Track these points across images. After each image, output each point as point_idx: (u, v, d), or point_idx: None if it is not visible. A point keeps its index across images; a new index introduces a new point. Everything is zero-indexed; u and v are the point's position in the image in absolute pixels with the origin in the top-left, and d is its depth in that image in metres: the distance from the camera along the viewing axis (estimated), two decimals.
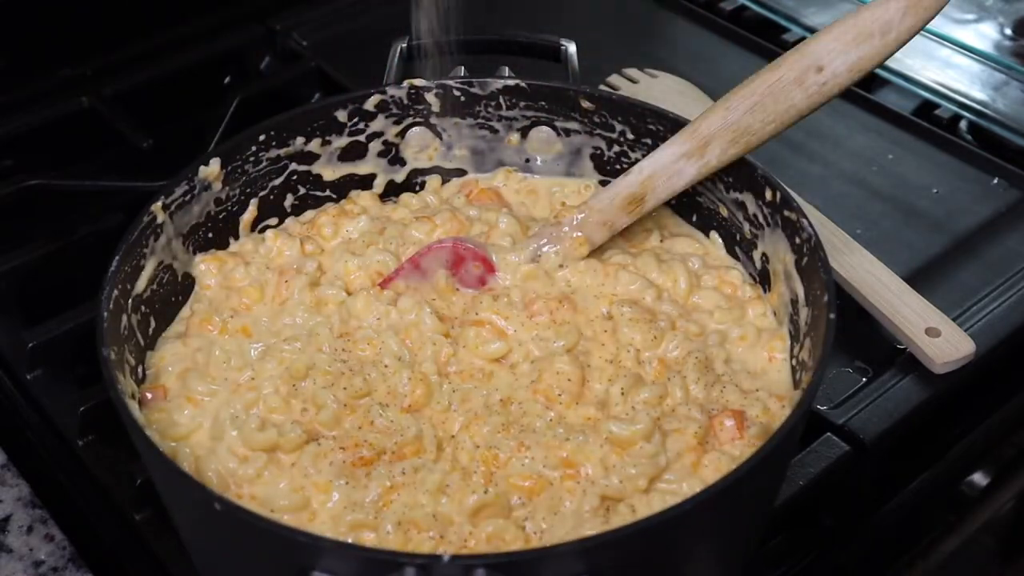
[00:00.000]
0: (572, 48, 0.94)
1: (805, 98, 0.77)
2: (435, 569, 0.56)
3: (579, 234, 0.84)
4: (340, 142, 0.90)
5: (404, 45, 0.93)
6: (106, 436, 0.85)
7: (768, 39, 1.26)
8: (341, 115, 0.89)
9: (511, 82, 0.89)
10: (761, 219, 0.81)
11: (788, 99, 0.77)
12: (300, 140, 0.88)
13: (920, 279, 0.95)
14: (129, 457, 0.82)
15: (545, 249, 0.84)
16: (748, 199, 0.82)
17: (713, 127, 0.80)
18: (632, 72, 1.15)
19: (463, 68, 0.93)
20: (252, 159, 0.86)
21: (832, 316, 0.69)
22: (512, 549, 0.66)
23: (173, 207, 0.81)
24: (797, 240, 0.76)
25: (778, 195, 0.79)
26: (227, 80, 1.24)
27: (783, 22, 1.30)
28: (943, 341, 0.88)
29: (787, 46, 1.26)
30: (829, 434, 0.84)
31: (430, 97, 0.90)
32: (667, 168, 0.82)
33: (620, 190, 0.83)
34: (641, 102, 0.88)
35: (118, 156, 1.10)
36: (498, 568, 0.57)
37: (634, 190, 0.83)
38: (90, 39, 1.19)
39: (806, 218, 0.76)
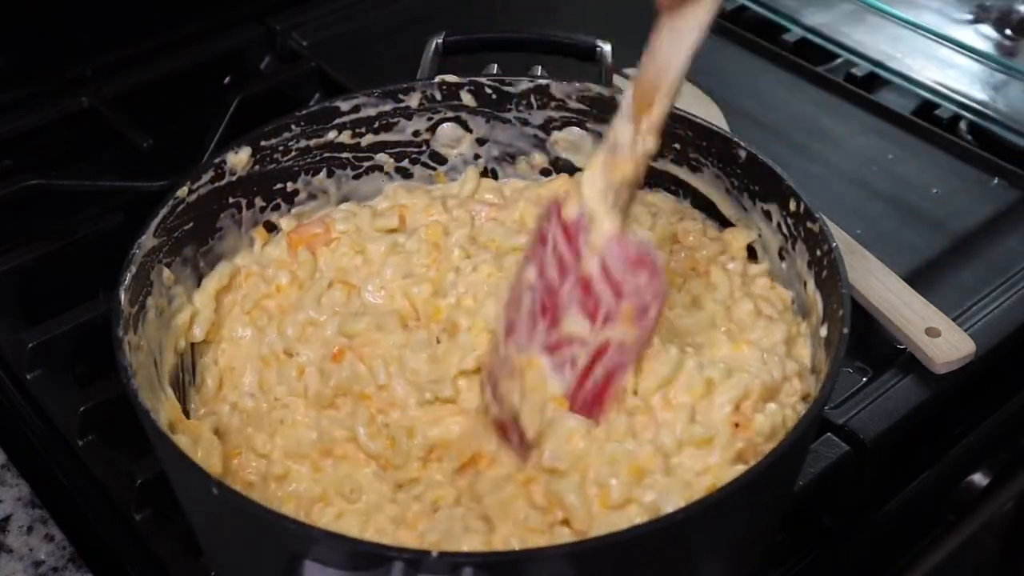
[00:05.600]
0: (607, 48, 0.92)
1: None
2: (423, 565, 0.56)
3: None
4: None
5: (439, 40, 0.92)
6: (106, 436, 0.85)
7: (768, 39, 1.25)
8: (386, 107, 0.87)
9: (543, 81, 0.87)
10: (785, 230, 0.80)
11: None
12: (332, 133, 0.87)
13: (920, 279, 0.95)
14: (129, 457, 0.82)
15: None
16: (773, 209, 0.81)
17: None
18: (632, 72, 1.14)
19: (495, 66, 0.91)
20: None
21: (846, 331, 0.68)
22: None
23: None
24: (818, 252, 0.75)
25: (802, 206, 0.78)
26: (227, 80, 1.24)
27: (783, 22, 1.29)
28: (943, 341, 0.88)
29: (787, 46, 1.26)
30: (829, 434, 0.84)
31: (463, 93, 0.89)
32: None
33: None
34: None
35: (118, 156, 1.10)
36: (485, 567, 0.57)
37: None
38: (90, 39, 1.19)
39: (828, 230, 0.74)
